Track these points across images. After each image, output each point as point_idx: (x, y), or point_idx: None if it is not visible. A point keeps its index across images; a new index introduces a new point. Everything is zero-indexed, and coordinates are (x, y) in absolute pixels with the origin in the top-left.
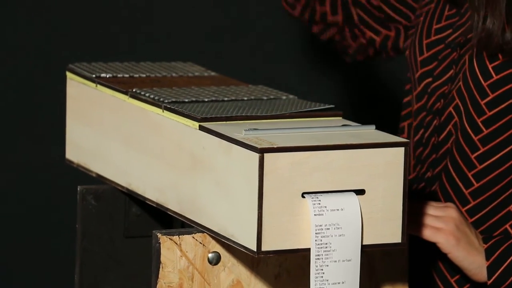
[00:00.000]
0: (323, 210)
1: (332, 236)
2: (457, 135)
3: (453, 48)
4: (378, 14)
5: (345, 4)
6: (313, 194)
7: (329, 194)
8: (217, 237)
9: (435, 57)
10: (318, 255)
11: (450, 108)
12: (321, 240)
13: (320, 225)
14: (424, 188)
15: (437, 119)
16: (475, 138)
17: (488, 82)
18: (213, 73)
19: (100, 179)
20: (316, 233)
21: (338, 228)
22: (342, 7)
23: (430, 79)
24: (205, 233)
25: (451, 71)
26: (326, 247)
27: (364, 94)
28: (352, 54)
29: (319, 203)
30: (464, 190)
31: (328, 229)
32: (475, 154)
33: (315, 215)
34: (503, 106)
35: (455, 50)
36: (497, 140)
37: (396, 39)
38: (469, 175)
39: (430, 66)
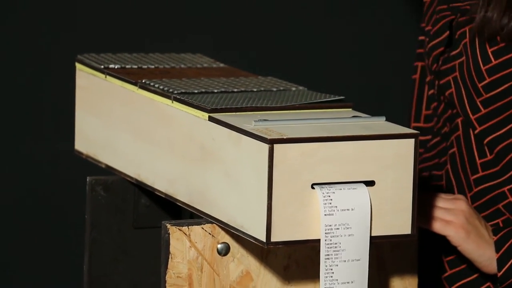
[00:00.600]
0: (334, 210)
1: (341, 236)
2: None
3: (453, 11)
4: None
5: None
6: (324, 191)
7: (340, 190)
8: (226, 228)
9: (438, 21)
10: (328, 255)
11: (450, 78)
12: (331, 240)
13: (330, 225)
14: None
15: (437, 81)
16: (473, 118)
17: (487, 66)
18: (222, 65)
19: (109, 170)
20: (325, 233)
21: (347, 228)
22: None
23: (427, 39)
24: (214, 224)
25: (447, 32)
26: (336, 247)
27: (375, 86)
28: None
29: (330, 203)
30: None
31: (337, 229)
32: (475, 132)
33: (325, 215)
34: (498, 90)
35: (454, 14)
36: (493, 121)
37: None
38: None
39: (429, 27)
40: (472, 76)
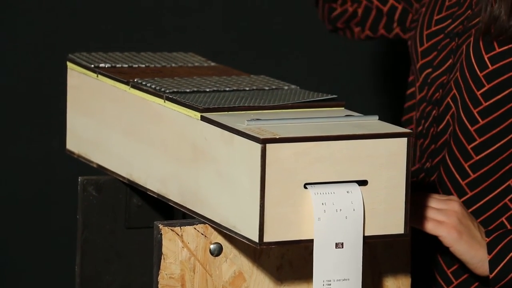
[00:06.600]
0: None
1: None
2: (454, 126)
3: (451, 37)
4: None
5: None
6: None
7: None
8: (219, 228)
9: (435, 47)
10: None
11: (448, 99)
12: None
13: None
14: (423, 178)
15: (436, 109)
16: (472, 129)
17: (484, 72)
18: (213, 63)
19: (101, 170)
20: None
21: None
22: None
23: (430, 70)
24: (206, 224)
25: (450, 61)
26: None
27: (367, 85)
28: (334, 18)
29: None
30: (460, 181)
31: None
32: (472, 145)
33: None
34: (499, 97)
35: (453, 40)
36: (494, 131)
37: (403, 13)
38: (466, 166)
39: (430, 57)
40: (470, 86)
